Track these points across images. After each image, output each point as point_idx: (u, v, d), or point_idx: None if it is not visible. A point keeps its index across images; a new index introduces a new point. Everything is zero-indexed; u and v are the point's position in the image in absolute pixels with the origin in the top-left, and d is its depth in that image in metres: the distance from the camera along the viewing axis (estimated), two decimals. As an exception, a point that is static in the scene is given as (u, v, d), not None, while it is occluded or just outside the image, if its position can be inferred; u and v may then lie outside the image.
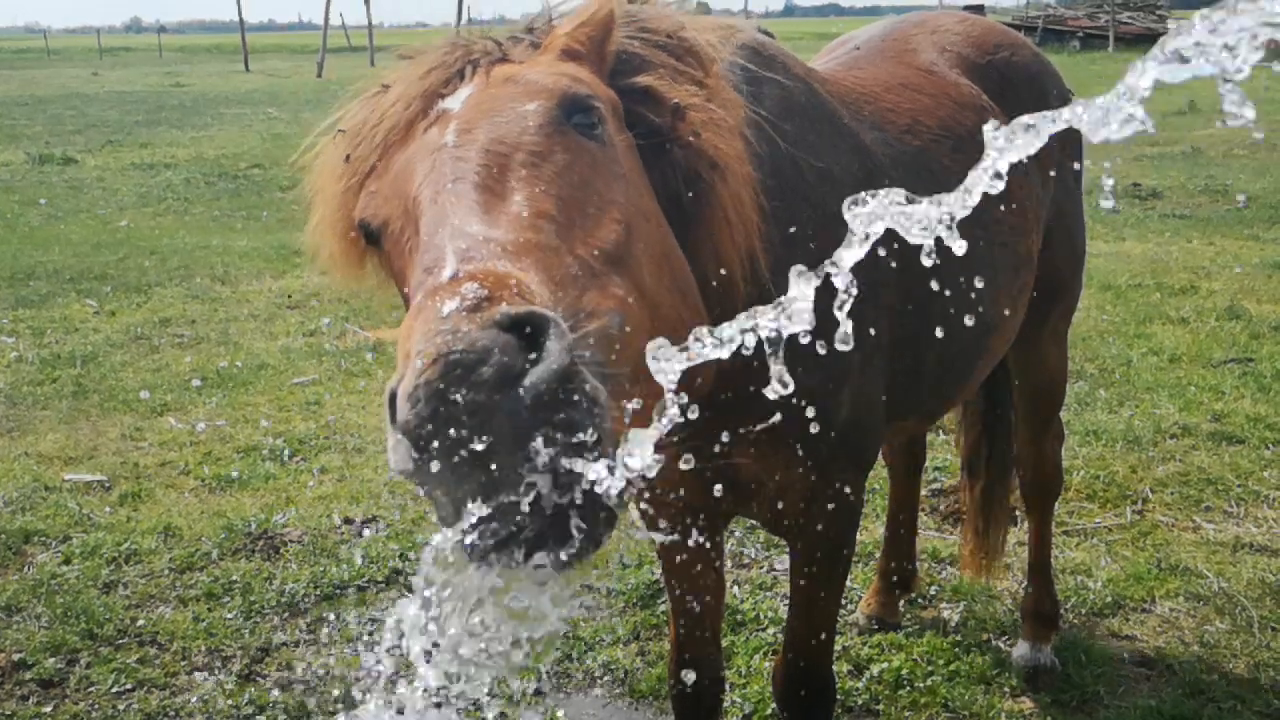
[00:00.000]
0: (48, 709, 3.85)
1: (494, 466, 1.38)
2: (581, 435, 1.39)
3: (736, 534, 4.87)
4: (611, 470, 1.41)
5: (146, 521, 5.20)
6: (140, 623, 4.35)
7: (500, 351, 1.36)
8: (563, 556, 1.43)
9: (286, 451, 6.02)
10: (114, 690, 3.94)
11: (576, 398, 1.39)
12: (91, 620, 4.31)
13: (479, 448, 1.36)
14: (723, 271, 2.12)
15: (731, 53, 2.33)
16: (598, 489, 1.41)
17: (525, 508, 1.40)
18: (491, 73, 1.97)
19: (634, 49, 2.11)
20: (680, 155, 2.06)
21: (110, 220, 13.33)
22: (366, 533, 5.05)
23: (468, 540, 1.43)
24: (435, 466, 1.38)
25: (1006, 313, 3.15)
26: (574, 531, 1.42)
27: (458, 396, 1.34)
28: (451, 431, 1.35)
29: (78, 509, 5.32)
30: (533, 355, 1.38)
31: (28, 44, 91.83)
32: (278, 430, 6.35)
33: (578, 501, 1.41)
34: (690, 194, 2.08)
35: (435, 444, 1.37)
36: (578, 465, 1.39)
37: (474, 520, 1.41)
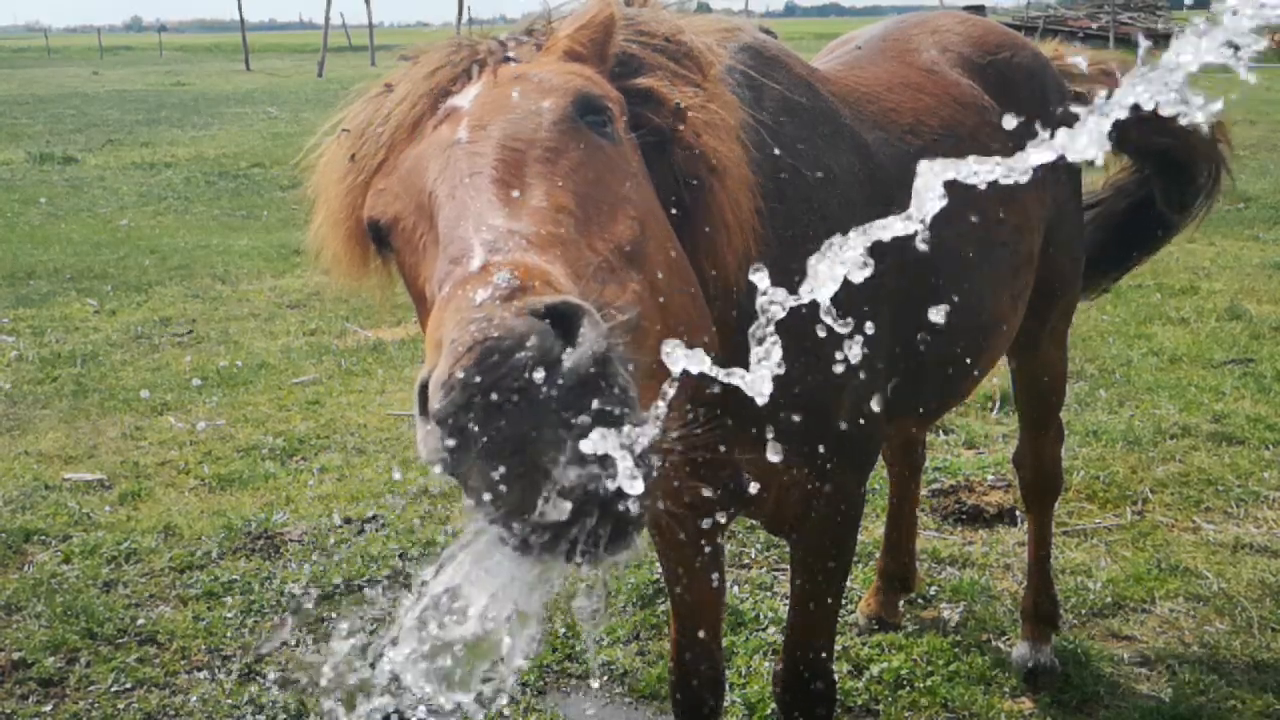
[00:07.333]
0: (47, 708, 3.86)
1: (530, 454, 1.35)
2: (615, 423, 1.37)
3: (737, 534, 4.87)
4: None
5: (146, 521, 5.20)
6: (140, 622, 4.35)
7: (538, 338, 1.34)
8: (605, 547, 1.40)
9: (286, 450, 6.03)
10: (114, 689, 3.94)
11: (612, 386, 1.38)
12: (91, 619, 4.32)
13: (516, 435, 1.33)
14: (717, 274, 2.12)
15: (732, 54, 2.33)
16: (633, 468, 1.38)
17: (565, 499, 1.37)
18: (499, 72, 1.96)
19: (632, 51, 2.11)
20: (680, 157, 2.06)
21: (110, 219, 13.33)
22: (366, 531, 5.05)
23: (507, 533, 1.40)
24: (469, 454, 1.34)
25: (1007, 313, 3.16)
26: (614, 523, 1.39)
27: (496, 383, 1.32)
28: (488, 418, 1.33)
29: (77, 508, 5.32)
30: (568, 342, 1.37)
31: (28, 43, 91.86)
32: (278, 430, 6.36)
33: (617, 491, 1.38)
34: (688, 196, 2.07)
35: (472, 431, 1.33)
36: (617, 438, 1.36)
37: (512, 512, 1.38)
